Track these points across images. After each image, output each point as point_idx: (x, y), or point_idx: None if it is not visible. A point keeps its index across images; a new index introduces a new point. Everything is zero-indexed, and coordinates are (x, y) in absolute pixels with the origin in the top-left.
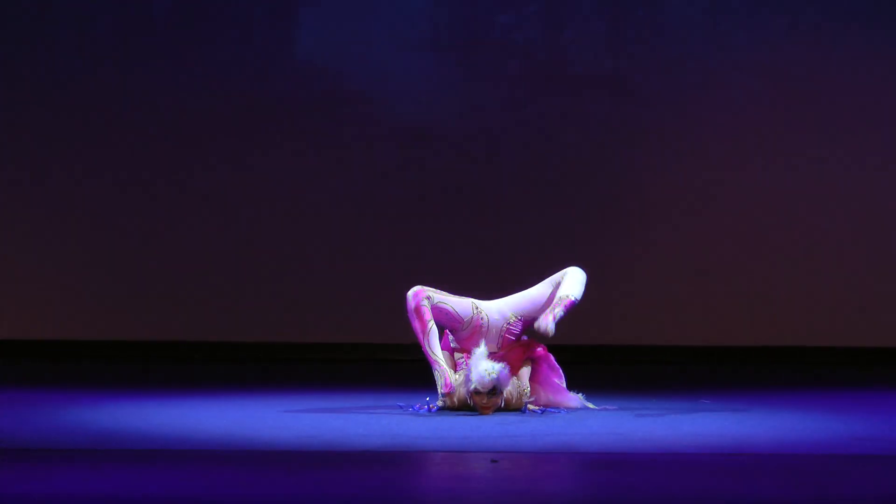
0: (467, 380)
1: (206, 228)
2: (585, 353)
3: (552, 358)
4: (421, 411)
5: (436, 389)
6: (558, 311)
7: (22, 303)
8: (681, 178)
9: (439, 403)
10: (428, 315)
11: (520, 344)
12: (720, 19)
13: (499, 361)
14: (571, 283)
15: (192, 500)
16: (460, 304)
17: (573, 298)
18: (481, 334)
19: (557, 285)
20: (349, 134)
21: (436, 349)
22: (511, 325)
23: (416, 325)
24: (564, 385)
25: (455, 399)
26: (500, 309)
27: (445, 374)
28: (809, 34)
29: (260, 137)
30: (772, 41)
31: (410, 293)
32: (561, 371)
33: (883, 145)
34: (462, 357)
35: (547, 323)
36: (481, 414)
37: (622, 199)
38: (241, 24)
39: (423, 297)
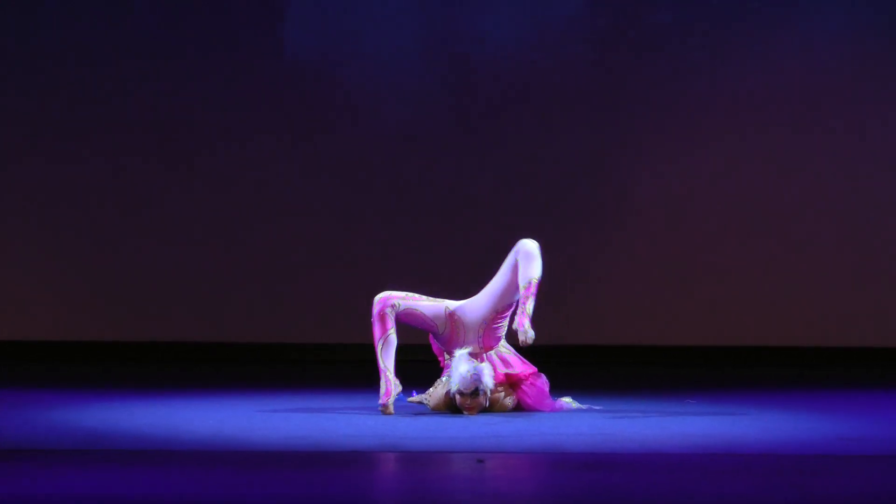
0: (450, 382)
1: (192, 229)
2: (572, 354)
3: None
4: (404, 399)
5: (424, 387)
6: (529, 305)
7: (9, 304)
8: (665, 181)
9: (380, 408)
10: (390, 324)
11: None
12: (704, 28)
13: (481, 361)
14: (528, 264)
15: (180, 500)
16: (432, 309)
17: (536, 280)
18: (460, 335)
19: (516, 266)
20: (336, 134)
21: (386, 359)
22: (492, 322)
23: (376, 331)
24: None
25: (438, 400)
26: (475, 308)
27: (388, 384)
28: (795, 43)
29: (246, 137)
30: (758, 48)
31: (377, 299)
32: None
33: (873, 148)
34: (448, 359)
35: (525, 330)
36: (467, 415)
37: (609, 201)
38: (229, 24)
39: (389, 305)
